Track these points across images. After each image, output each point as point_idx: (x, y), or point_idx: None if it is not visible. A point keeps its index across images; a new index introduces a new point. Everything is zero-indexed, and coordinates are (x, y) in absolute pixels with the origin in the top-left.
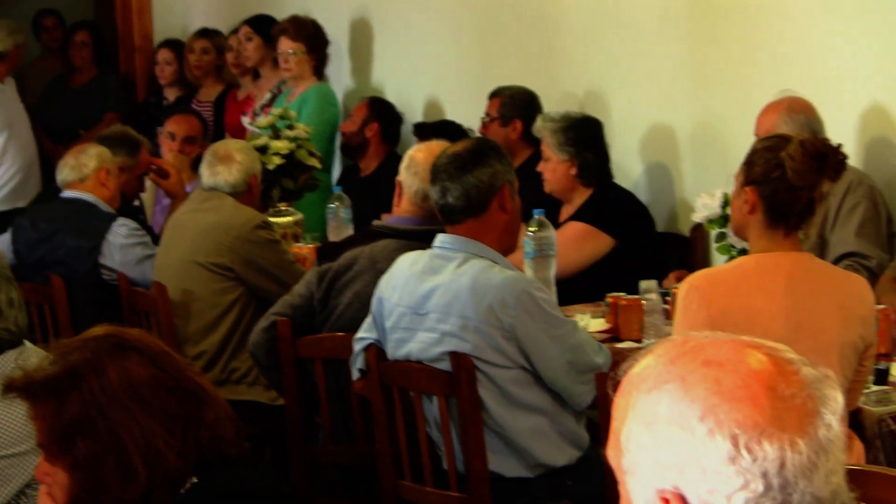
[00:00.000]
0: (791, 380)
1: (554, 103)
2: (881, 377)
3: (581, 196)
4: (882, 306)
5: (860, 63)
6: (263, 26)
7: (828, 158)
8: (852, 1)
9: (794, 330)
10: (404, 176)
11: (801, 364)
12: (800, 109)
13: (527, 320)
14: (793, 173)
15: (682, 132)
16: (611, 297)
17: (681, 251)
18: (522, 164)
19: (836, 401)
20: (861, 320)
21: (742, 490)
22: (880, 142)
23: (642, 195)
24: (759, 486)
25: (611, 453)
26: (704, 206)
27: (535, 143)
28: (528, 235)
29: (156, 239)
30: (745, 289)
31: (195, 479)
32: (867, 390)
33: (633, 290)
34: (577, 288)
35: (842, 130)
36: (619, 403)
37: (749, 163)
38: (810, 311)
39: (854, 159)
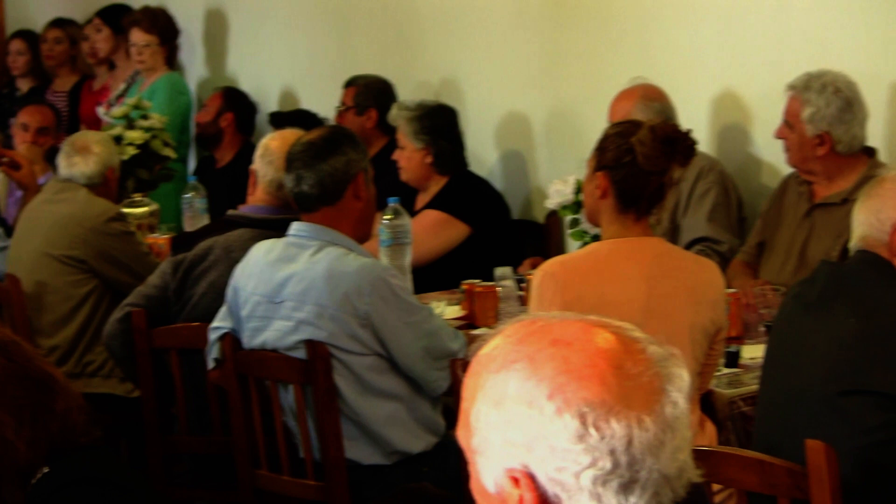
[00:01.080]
0: (638, 358)
1: (409, 92)
2: (732, 360)
3: (436, 184)
4: (733, 290)
5: (712, 50)
6: (114, 17)
7: (677, 144)
8: None
9: (646, 314)
10: (259, 165)
11: (647, 342)
12: (654, 97)
13: (382, 307)
14: (643, 158)
15: (536, 120)
16: (466, 284)
17: (536, 238)
18: (378, 152)
19: (682, 378)
20: (712, 304)
21: (590, 468)
22: (731, 128)
23: (497, 183)
24: (607, 464)
25: (461, 434)
26: (558, 192)
27: (390, 131)
28: (383, 223)
29: (9, 231)
30: (599, 274)
31: (46, 469)
32: (719, 373)
33: (489, 277)
34: (433, 275)
35: (694, 117)
36: (469, 384)
37: (600, 148)
38: (662, 295)
39: (705, 145)
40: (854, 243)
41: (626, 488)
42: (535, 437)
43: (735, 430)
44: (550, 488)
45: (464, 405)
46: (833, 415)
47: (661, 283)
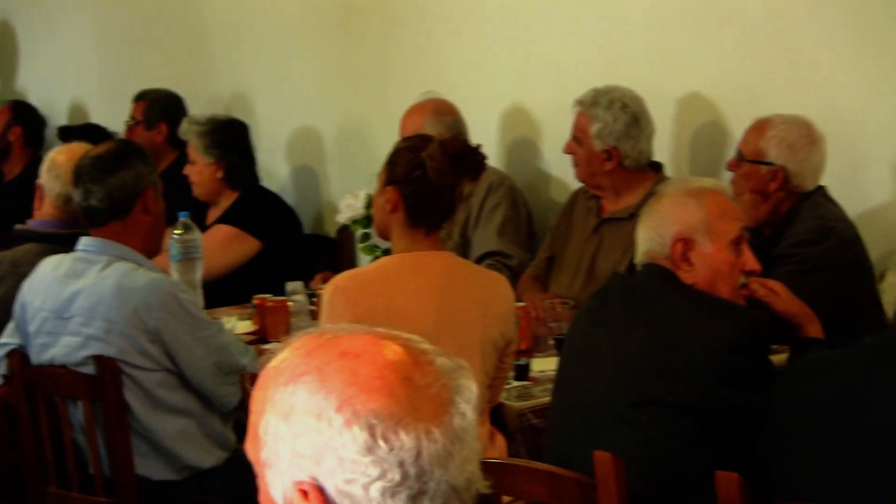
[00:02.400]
0: (426, 370)
1: (200, 106)
2: (522, 373)
3: (228, 199)
4: (522, 304)
5: (501, 65)
6: None
7: (467, 158)
8: (494, 5)
9: (437, 328)
10: (45, 179)
11: (435, 354)
12: (445, 111)
13: (171, 322)
14: (433, 173)
15: (327, 134)
16: (257, 298)
17: (328, 252)
18: (168, 167)
19: (470, 390)
20: (501, 318)
21: (379, 480)
22: (521, 143)
23: (289, 197)
24: (395, 476)
25: (250, 447)
26: (348, 206)
27: (180, 146)
28: (173, 238)
29: None
30: (389, 288)
31: None
32: (509, 386)
33: (281, 291)
34: (224, 290)
35: (484, 132)
36: (257, 397)
37: (391, 163)
38: (453, 309)
39: (495, 160)
40: (639, 258)
41: (414, 500)
42: (324, 450)
43: (525, 442)
44: (339, 501)
45: (252, 418)
46: (622, 425)
47: (451, 297)
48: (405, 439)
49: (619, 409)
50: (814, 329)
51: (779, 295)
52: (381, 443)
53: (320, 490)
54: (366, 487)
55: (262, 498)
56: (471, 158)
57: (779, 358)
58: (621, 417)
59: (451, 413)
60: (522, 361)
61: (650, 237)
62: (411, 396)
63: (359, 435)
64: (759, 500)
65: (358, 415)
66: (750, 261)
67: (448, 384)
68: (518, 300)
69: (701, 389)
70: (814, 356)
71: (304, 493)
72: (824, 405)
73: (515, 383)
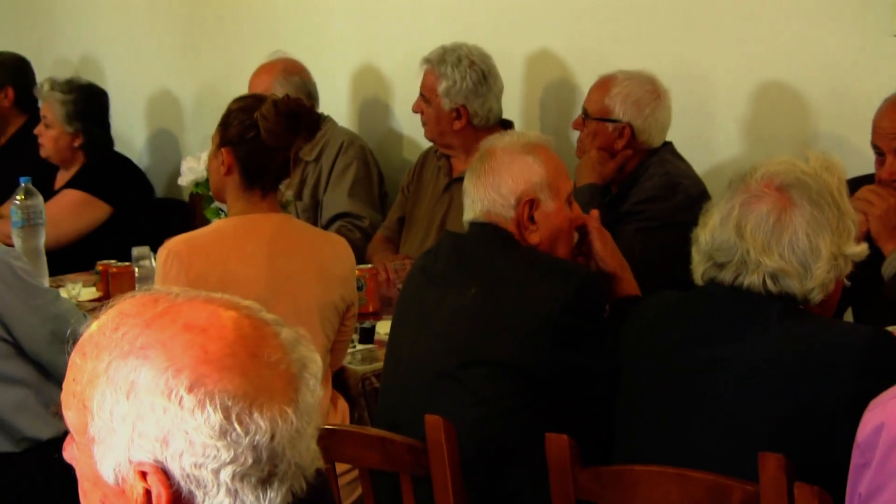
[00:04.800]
0: (273, 344)
1: (48, 69)
2: (367, 336)
3: (78, 163)
4: (370, 266)
5: (350, 24)
6: None
7: (301, 118)
8: None
9: (272, 292)
10: None
11: (277, 325)
12: (294, 71)
13: (4, 291)
14: (267, 134)
15: (181, 97)
16: (101, 264)
17: (181, 217)
18: (16, 132)
19: (315, 363)
20: (341, 281)
21: (231, 463)
22: (371, 103)
23: (143, 161)
24: (248, 459)
25: (70, 415)
26: (190, 169)
27: (28, 110)
28: (14, 204)
29: None
30: (224, 252)
31: None
32: (353, 349)
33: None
34: (75, 256)
35: (334, 92)
36: (86, 366)
37: (224, 124)
38: (290, 273)
39: (345, 121)
40: (474, 217)
41: (264, 482)
42: (172, 432)
43: (368, 406)
44: (185, 484)
45: (75, 387)
46: (453, 387)
47: (287, 261)
48: (260, 421)
49: (451, 371)
50: (629, 287)
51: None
52: (235, 425)
53: (164, 472)
54: (216, 472)
55: (82, 469)
56: (305, 118)
57: None
58: (453, 378)
59: (302, 390)
60: (368, 324)
61: (490, 197)
62: (264, 374)
63: (213, 417)
64: (590, 461)
65: (211, 395)
66: (580, 216)
67: (296, 359)
68: (369, 262)
69: (533, 350)
70: (653, 303)
71: (143, 475)
72: (654, 360)
73: (360, 346)
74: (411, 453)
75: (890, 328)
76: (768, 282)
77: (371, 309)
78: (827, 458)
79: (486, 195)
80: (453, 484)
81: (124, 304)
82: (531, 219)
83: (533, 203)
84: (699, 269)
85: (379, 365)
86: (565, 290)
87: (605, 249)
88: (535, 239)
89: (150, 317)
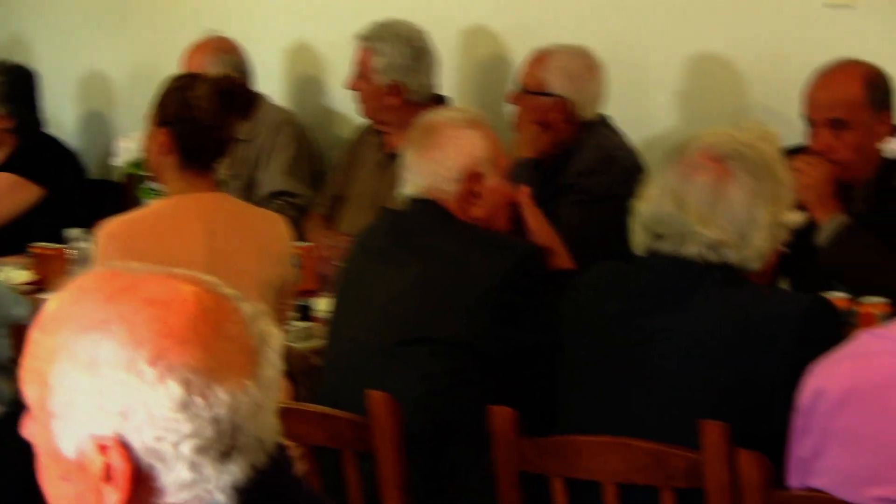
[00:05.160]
0: (233, 318)
1: None
2: (305, 313)
3: (8, 146)
4: (308, 243)
5: (285, 2)
6: None
7: (237, 97)
8: None
9: (213, 271)
10: None
11: (237, 300)
12: (228, 49)
13: None
14: (203, 113)
15: (113, 77)
16: (34, 247)
17: (114, 198)
18: None
19: (275, 337)
20: (279, 258)
21: (192, 437)
22: (306, 80)
23: (74, 143)
24: (209, 432)
25: (30, 391)
26: (125, 149)
27: None
28: None
29: None
30: (164, 232)
31: None
32: (292, 327)
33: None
34: (7, 239)
35: (268, 70)
36: (45, 341)
37: (160, 103)
38: (229, 251)
39: (280, 98)
40: (415, 191)
41: (225, 456)
42: (133, 405)
43: (308, 384)
44: (146, 458)
45: (34, 362)
46: (396, 364)
47: (226, 239)
48: (221, 394)
49: (393, 348)
50: (563, 261)
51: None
52: (196, 398)
53: (125, 446)
54: (176, 445)
55: (41, 445)
56: (241, 97)
57: None
58: (395, 356)
59: (262, 364)
60: (306, 302)
61: (434, 170)
62: (225, 348)
63: (174, 390)
64: (536, 434)
65: (172, 369)
66: (511, 192)
67: (256, 332)
68: (305, 239)
69: (474, 325)
70: (583, 283)
71: (103, 448)
72: (595, 332)
73: (298, 324)
74: (355, 430)
75: (827, 295)
76: (707, 252)
77: (308, 287)
78: (768, 425)
79: (429, 168)
80: (397, 460)
81: (84, 280)
82: (474, 193)
83: (477, 177)
84: (639, 240)
85: (318, 342)
86: (505, 264)
87: (537, 224)
88: (477, 213)
89: (110, 292)
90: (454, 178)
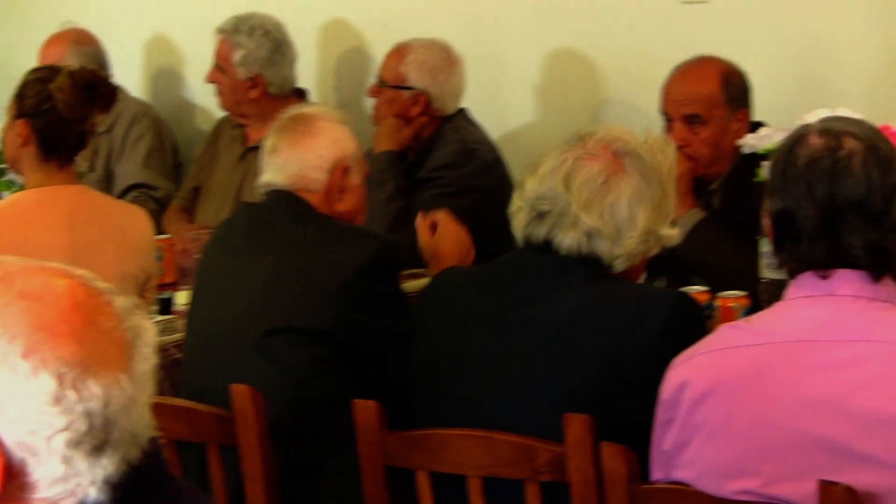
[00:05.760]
0: (107, 312)
1: None
2: (166, 307)
3: None
4: (167, 236)
5: None
6: None
7: (97, 89)
8: None
9: (75, 265)
10: None
11: (111, 294)
12: (86, 41)
13: None
14: (63, 105)
15: None
16: None
17: None
18: None
19: (149, 332)
20: (140, 252)
21: (65, 431)
22: (164, 73)
23: None
24: (82, 426)
25: None
26: None
27: None
28: None
29: None
30: (23, 225)
31: None
32: (153, 320)
33: None
34: None
35: (126, 62)
36: None
37: (19, 95)
38: (90, 244)
39: (138, 90)
40: (280, 180)
41: (98, 450)
42: (6, 399)
43: (169, 377)
44: (18, 452)
45: None
46: (257, 356)
47: (86, 232)
48: (94, 388)
49: (254, 339)
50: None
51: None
52: (69, 392)
53: None
54: (49, 439)
55: None
56: (101, 89)
57: (418, 283)
58: (256, 347)
59: (136, 358)
60: (166, 295)
61: (306, 159)
62: (98, 342)
63: (47, 384)
64: (397, 425)
65: (46, 362)
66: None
67: (130, 326)
68: (165, 232)
69: (332, 314)
70: (448, 276)
71: None
72: (459, 325)
73: (159, 317)
74: (218, 423)
75: (686, 289)
76: (582, 239)
77: (169, 280)
78: (633, 417)
79: (301, 156)
80: (261, 452)
81: None
82: (341, 187)
83: (345, 171)
84: (519, 217)
85: (178, 336)
86: (363, 254)
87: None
88: (342, 207)
89: None
90: (326, 167)
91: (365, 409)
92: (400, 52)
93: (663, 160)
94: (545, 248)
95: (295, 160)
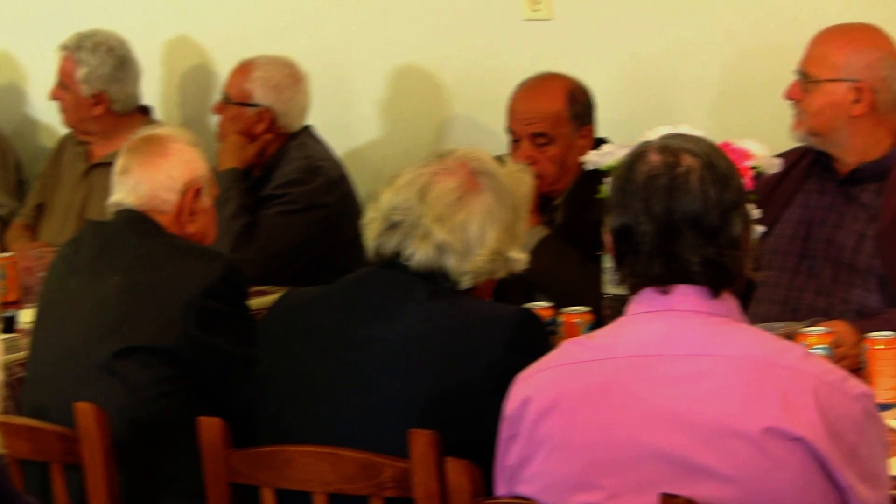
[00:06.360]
0: None
1: None
2: (9, 325)
3: None
4: (10, 254)
5: None
6: None
7: None
8: None
9: None
10: None
11: None
12: None
13: None
14: None
15: None
16: None
17: None
18: None
19: None
20: None
21: None
22: (8, 89)
23: None
24: None
25: None
26: None
27: None
28: None
29: None
30: None
31: None
32: None
33: None
34: None
35: None
36: None
37: None
38: None
39: None
40: (131, 200)
41: None
42: None
43: (14, 396)
44: None
45: None
46: (105, 375)
47: None
48: None
49: (102, 359)
50: None
51: None
52: None
53: None
54: None
55: None
56: None
57: (265, 300)
58: (104, 367)
59: None
60: (10, 313)
61: (158, 179)
62: None
63: None
64: (243, 444)
65: None
66: None
67: None
68: (7, 250)
69: (177, 333)
70: (292, 295)
71: None
72: (304, 343)
73: (3, 336)
74: (62, 441)
75: (530, 305)
76: (431, 253)
77: (12, 298)
78: (476, 434)
79: (153, 177)
80: (105, 472)
81: None
82: (192, 209)
83: (197, 193)
84: (372, 227)
85: (23, 354)
86: (208, 274)
87: None
88: (192, 228)
89: None
90: (177, 189)
91: (209, 427)
92: (245, 68)
93: (519, 185)
94: (394, 260)
95: (146, 181)
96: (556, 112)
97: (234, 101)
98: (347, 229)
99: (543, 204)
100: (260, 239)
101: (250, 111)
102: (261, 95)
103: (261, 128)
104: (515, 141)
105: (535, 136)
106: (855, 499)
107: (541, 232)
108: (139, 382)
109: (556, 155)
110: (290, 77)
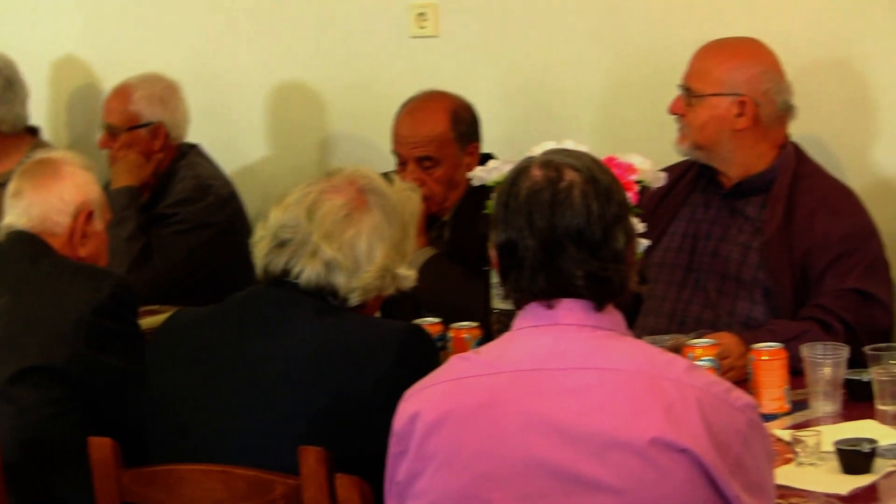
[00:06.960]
0: None
1: None
2: None
3: None
4: None
5: None
6: None
7: None
8: None
9: None
10: None
11: None
12: None
13: None
14: None
15: None
16: None
17: None
18: None
19: None
20: None
21: None
22: None
23: None
24: None
25: None
26: None
27: None
28: None
29: None
30: None
31: None
32: None
33: None
34: None
35: None
36: None
37: None
38: None
39: None
40: (22, 223)
41: None
42: None
43: None
44: None
45: None
46: None
47: None
48: None
49: None
50: None
51: None
52: None
53: None
54: None
55: None
56: None
57: (156, 319)
58: None
59: None
60: None
61: (50, 202)
62: None
63: None
64: (133, 464)
65: None
66: None
67: None
68: None
69: (68, 352)
70: (182, 314)
71: None
72: (195, 361)
73: None
74: None
75: (419, 321)
76: (320, 270)
77: None
78: (367, 448)
79: (45, 200)
80: None
81: None
82: (83, 232)
83: (89, 216)
84: (261, 246)
85: None
86: (98, 292)
87: None
88: (84, 252)
89: None
90: (69, 211)
91: (100, 447)
92: (122, 93)
93: (407, 203)
94: (283, 278)
95: (38, 203)
96: (440, 134)
97: (124, 128)
98: (239, 247)
99: (431, 221)
100: (156, 260)
101: (143, 132)
102: (149, 113)
103: (157, 144)
104: (402, 164)
105: (421, 160)
106: None
107: (428, 252)
108: (30, 403)
109: (442, 176)
110: (169, 88)
